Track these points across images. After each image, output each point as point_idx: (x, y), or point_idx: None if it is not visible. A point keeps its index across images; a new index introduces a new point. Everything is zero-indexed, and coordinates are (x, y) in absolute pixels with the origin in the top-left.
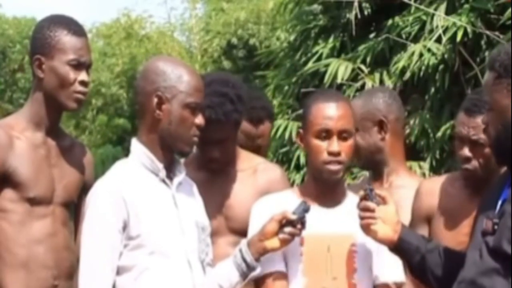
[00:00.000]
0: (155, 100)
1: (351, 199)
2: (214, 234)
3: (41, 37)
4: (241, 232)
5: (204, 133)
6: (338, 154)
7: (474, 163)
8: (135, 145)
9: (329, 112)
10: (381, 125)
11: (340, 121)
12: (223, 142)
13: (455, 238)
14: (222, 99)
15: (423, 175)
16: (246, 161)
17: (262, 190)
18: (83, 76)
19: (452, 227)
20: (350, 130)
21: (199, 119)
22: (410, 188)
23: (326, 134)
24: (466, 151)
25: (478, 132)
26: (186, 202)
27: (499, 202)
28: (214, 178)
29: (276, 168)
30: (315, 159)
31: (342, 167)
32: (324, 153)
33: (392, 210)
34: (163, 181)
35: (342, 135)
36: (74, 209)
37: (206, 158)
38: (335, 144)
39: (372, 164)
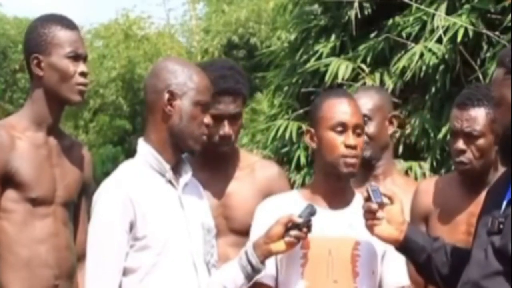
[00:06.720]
0: (167, 96)
1: (359, 200)
2: None
3: (36, 36)
4: (242, 232)
5: (218, 108)
6: (355, 147)
7: (469, 155)
8: (142, 145)
9: (343, 107)
10: (391, 120)
11: (355, 116)
12: (235, 119)
13: (452, 236)
14: (232, 71)
15: (423, 175)
16: (244, 159)
17: (261, 189)
18: (82, 67)
19: (448, 225)
20: (363, 126)
21: (208, 119)
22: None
23: (342, 128)
24: (460, 144)
25: (471, 124)
26: (192, 203)
27: (504, 202)
28: (214, 178)
29: (273, 165)
30: (331, 153)
31: (358, 161)
32: (341, 146)
33: (398, 209)
34: (170, 182)
35: (356, 130)
36: (73, 208)
37: (217, 136)
38: (351, 138)
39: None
